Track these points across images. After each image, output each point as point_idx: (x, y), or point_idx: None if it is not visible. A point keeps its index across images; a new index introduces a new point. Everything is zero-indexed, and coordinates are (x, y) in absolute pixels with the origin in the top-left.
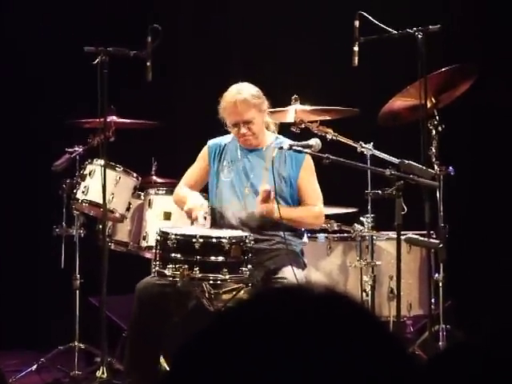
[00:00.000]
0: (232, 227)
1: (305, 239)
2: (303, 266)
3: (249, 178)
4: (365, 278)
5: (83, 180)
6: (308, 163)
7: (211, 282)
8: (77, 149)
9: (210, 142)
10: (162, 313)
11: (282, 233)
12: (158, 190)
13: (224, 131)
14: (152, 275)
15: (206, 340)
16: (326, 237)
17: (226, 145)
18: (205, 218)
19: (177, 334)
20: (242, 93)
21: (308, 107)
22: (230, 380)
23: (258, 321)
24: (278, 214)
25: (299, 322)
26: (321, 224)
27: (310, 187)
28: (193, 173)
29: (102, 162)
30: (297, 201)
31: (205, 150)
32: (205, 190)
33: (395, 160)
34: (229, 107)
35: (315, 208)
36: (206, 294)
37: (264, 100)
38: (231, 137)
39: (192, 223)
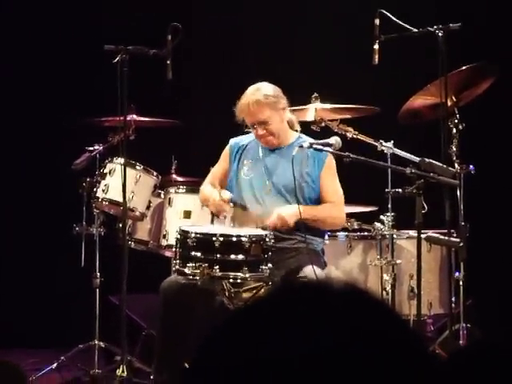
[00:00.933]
0: (252, 225)
1: (325, 238)
2: (323, 265)
3: (271, 177)
4: (385, 276)
5: (103, 178)
6: (330, 163)
7: (231, 280)
8: (97, 147)
9: (232, 141)
10: (188, 311)
11: (302, 232)
12: (177, 188)
13: (241, 130)
14: (175, 274)
15: (224, 334)
16: (347, 235)
17: (248, 143)
18: (225, 217)
19: (203, 331)
20: (255, 94)
21: (328, 105)
22: (247, 372)
23: (276, 316)
24: (298, 214)
25: (318, 317)
26: (341, 225)
27: (332, 187)
28: (217, 172)
29: (122, 160)
30: (316, 201)
31: (226, 149)
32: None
33: (416, 158)
34: (243, 109)
35: (336, 208)
36: (226, 293)
37: (280, 98)
38: (253, 136)
39: (212, 220)
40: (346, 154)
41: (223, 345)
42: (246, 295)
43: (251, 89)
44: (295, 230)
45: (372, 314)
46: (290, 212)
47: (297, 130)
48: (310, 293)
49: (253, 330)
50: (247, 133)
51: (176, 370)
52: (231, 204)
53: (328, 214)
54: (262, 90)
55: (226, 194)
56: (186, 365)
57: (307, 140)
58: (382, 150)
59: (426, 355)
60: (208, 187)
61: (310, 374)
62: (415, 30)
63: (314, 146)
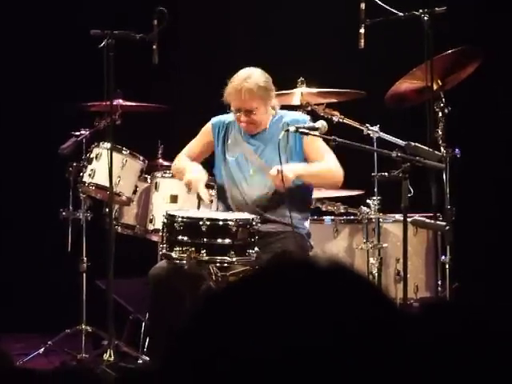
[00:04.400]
0: (239, 207)
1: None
2: (309, 249)
3: (254, 158)
4: (371, 260)
5: (90, 163)
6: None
7: (218, 264)
8: (83, 132)
9: (214, 120)
10: (178, 295)
11: (288, 216)
12: (164, 173)
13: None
14: (160, 259)
15: (207, 316)
16: (333, 219)
17: (229, 123)
18: (211, 201)
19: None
20: (249, 81)
21: (314, 90)
22: (229, 355)
23: (261, 296)
24: (295, 173)
25: (304, 296)
26: (340, 179)
27: (317, 147)
28: (196, 146)
29: (108, 145)
30: None
31: (208, 125)
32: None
33: (401, 142)
34: (233, 93)
35: (329, 163)
36: (213, 277)
37: (270, 90)
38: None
39: (198, 205)
40: (332, 137)
41: (206, 327)
42: (232, 279)
43: (244, 73)
44: (283, 211)
45: (359, 293)
46: (289, 168)
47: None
48: (295, 271)
49: (235, 313)
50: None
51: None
52: (207, 181)
53: (324, 169)
54: (256, 79)
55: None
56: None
57: (285, 115)
58: (368, 134)
59: (412, 335)
60: (186, 160)
61: (294, 355)
62: (401, 14)
63: (300, 130)
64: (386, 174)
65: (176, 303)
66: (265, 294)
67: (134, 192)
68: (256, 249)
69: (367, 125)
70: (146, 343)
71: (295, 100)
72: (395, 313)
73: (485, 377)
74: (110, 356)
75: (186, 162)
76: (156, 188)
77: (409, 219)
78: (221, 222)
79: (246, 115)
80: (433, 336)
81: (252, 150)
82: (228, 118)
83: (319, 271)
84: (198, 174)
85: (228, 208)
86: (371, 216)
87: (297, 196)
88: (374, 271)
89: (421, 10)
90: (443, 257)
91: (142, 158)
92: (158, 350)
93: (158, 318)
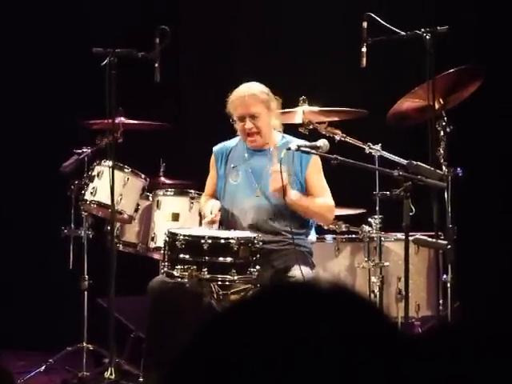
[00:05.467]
0: (242, 230)
1: (313, 237)
2: (312, 266)
3: (259, 180)
4: (373, 278)
5: (91, 181)
6: (315, 160)
7: (219, 282)
8: (85, 150)
9: (215, 148)
10: (176, 311)
11: (289, 234)
12: (166, 191)
13: (229, 133)
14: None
15: (210, 334)
16: (334, 238)
17: (232, 148)
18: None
19: (191, 332)
20: (251, 88)
21: (316, 108)
22: (231, 373)
23: (263, 316)
24: (290, 197)
25: (306, 317)
26: (331, 218)
27: (318, 183)
28: (209, 183)
29: (110, 163)
30: None
31: (212, 158)
32: None
33: (403, 161)
34: (236, 100)
35: (326, 200)
36: (215, 295)
37: (273, 99)
38: (237, 140)
39: (200, 223)
40: (334, 156)
41: (208, 345)
42: (234, 297)
43: (244, 85)
44: (287, 230)
45: (360, 315)
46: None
47: (280, 131)
48: (297, 293)
49: (238, 330)
50: (231, 136)
51: (164, 370)
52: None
53: (318, 205)
54: (257, 87)
55: (215, 208)
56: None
57: (292, 140)
58: (370, 153)
59: (414, 355)
60: (203, 200)
61: (296, 375)
62: (403, 33)
63: (302, 148)
64: (388, 192)
65: (174, 317)
66: (266, 315)
67: (136, 210)
68: (257, 267)
69: (369, 143)
70: (142, 358)
71: (297, 118)
72: (396, 334)
73: None
74: (111, 374)
75: (204, 204)
76: (158, 206)
77: (410, 238)
78: (222, 241)
79: (251, 122)
80: (434, 356)
81: (256, 171)
82: (231, 143)
83: (320, 292)
84: (213, 205)
85: (229, 228)
86: (373, 234)
87: (297, 213)
88: (376, 290)
89: (423, 29)
90: (445, 276)
91: (143, 175)
92: (152, 364)
93: (154, 331)
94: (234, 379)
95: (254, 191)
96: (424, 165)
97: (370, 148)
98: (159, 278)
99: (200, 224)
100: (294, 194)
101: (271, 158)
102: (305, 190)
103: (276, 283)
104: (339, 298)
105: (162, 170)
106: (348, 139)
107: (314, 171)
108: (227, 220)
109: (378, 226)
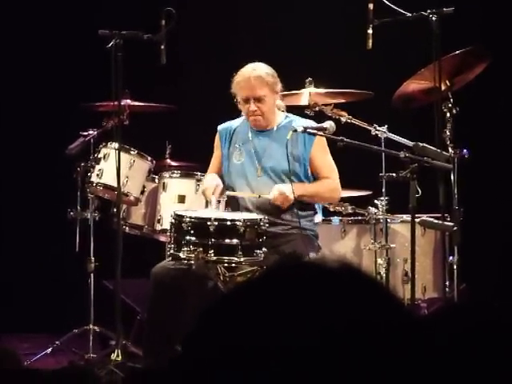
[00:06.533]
0: (247, 210)
1: (318, 218)
2: (317, 249)
3: (261, 160)
4: (379, 260)
5: (97, 163)
6: (319, 140)
7: (226, 264)
8: (91, 132)
9: (220, 127)
10: (179, 296)
11: (296, 218)
12: (172, 173)
13: (235, 115)
14: (167, 259)
15: (216, 316)
16: (340, 220)
17: (236, 127)
18: (219, 202)
19: (195, 316)
20: (257, 70)
21: (322, 90)
22: (239, 355)
23: (270, 296)
24: (293, 195)
25: (314, 298)
26: (338, 197)
27: (323, 161)
28: (213, 162)
29: (116, 145)
30: (311, 179)
31: (216, 137)
32: None
33: (409, 143)
34: (242, 81)
35: (330, 181)
36: (221, 277)
37: (278, 81)
38: (241, 120)
39: (206, 205)
40: (340, 138)
41: (214, 327)
42: (240, 279)
43: (250, 65)
44: (290, 213)
45: (368, 294)
46: (288, 189)
47: (283, 110)
48: (304, 273)
49: (245, 312)
50: (235, 117)
51: (164, 355)
52: (222, 189)
53: (322, 189)
54: (263, 68)
55: (217, 191)
56: (179, 348)
57: (296, 119)
58: (376, 135)
59: (421, 335)
60: (207, 177)
61: (304, 355)
62: (409, 15)
63: (308, 130)
64: (394, 174)
65: (176, 303)
66: (273, 295)
67: (142, 192)
68: (264, 249)
69: (375, 125)
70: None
71: (303, 100)
72: (403, 314)
73: (492, 378)
74: (117, 356)
75: (206, 183)
76: (164, 188)
77: (417, 220)
78: (229, 222)
79: (256, 104)
80: (441, 337)
81: (259, 151)
82: (235, 122)
83: (328, 272)
84: (207, 183)
85: (235, 210)
86: (379, 216)
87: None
88: (382, 272)
89: (429, 11)
90: (451, 257)
91: (149, 158)
92: (153, 348)
93: (156, 317)
94: (240, 361)
95: (256, 171)
96: (430, 146)
97: (376, 130)
98: (161, 263)
99: (206, 206)
100: (296, 189)
101: (275, 137)
102: (309, 171)
103: (282, 264)
104: (346, 277)
105: (168, 152)
106: (354, 121)
107: (319, 151)
108: (231, 200)
109: (385, 207)
